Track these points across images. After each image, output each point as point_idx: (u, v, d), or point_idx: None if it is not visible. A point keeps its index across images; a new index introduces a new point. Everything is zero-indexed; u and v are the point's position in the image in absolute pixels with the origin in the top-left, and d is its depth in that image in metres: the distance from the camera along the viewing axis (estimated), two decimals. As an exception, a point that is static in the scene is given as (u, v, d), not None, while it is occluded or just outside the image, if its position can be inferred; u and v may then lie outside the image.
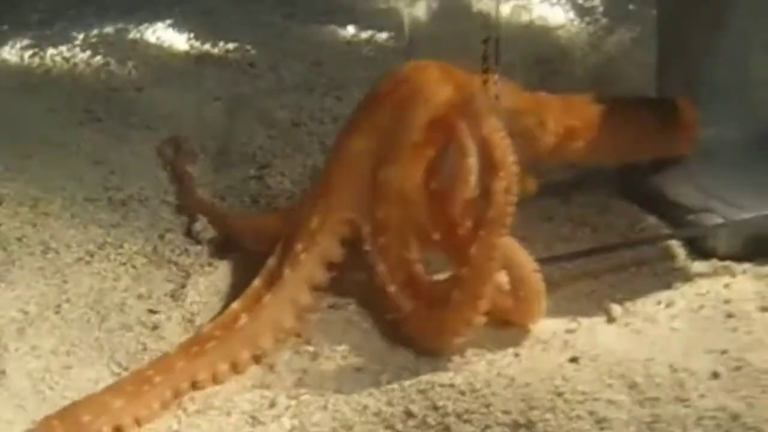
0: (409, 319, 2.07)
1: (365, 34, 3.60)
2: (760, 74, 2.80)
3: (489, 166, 1.96)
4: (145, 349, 2.11)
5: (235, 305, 2.09)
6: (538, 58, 3.35)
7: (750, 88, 2.71)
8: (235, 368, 2.02)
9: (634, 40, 3.41)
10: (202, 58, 3.45)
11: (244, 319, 2.04)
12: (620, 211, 2.50)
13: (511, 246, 2.02)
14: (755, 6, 2.54)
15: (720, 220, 2.30)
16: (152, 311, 2.22)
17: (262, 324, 2.04)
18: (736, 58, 2.60)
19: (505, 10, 3.57)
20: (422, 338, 2.04)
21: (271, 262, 2.15)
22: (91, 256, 2.47)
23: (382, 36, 3.62)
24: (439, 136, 2.06)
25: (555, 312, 2.18)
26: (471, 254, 1.94)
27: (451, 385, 1.93)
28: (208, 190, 2.77)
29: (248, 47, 3.50)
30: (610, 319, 2.14)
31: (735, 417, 1.81)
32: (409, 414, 1.89)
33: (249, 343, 2.03)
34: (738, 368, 1.93)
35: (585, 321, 2.14)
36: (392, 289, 2.05)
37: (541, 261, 2.20)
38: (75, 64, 3.46)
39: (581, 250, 2.31)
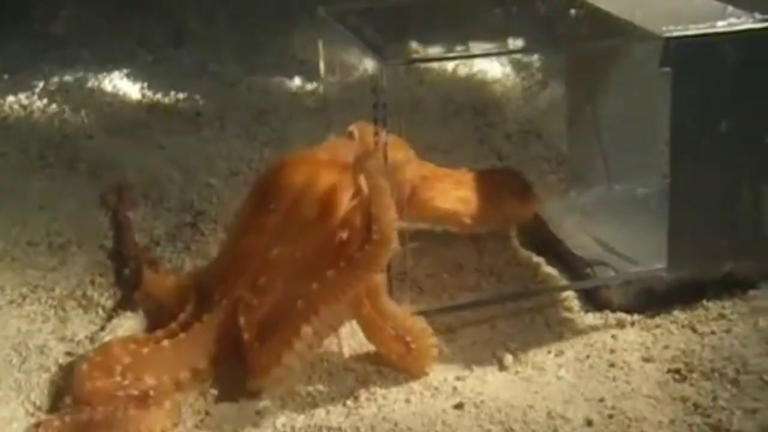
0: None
1: (311, 86, 3.74)
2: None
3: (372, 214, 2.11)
4: (60, 389, 2.22)
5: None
6: (475, 110, 3.49)
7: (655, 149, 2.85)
8: None
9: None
10: (153, 107, 3.59)
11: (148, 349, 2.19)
12: (527, 262, 2.62)
13: (390, 306, 2.17)
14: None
15: (612, 273, 2.42)
16: (69, 353, 2.34)
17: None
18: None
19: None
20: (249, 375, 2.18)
21: (182, 317, 2.27)
22: (23, 298, 2.60)
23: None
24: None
25: (450, 359, 2.30)
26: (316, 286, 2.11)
27: (339, 429, 2.05)
28: (146, 235, 2.89)
29: (197, 96, 3.65)
30: (502, 367, 2.26)
31: (598, 462, 1.93)
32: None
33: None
34: (611, 416, 2.05)
35: (477, 368, 2.26)
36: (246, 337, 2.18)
37: (443, 310, 2.35)
38: (32, 112, 3.61)
39: (479, 300, 2.42)
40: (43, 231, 2.94)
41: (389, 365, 2.24)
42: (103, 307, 2.55)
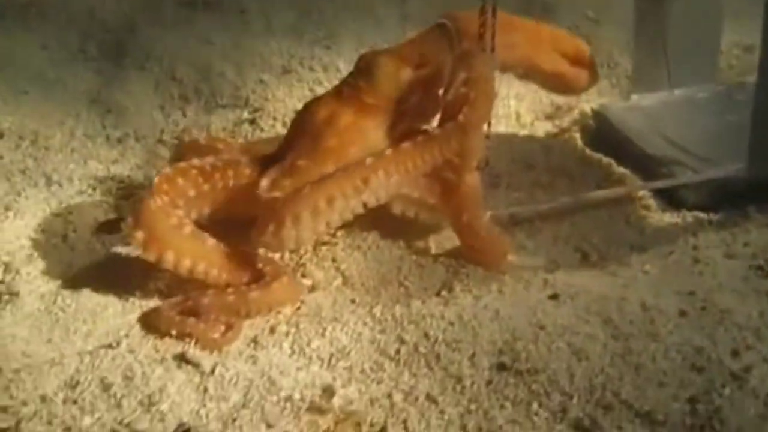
0: None
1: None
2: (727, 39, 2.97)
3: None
4: (155, 278, 2.22)
5: None
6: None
7: (718, 51, 2.89)
8: None
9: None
10: (194, 2, 3.52)
11: None
12: (596, 162, 2.65)
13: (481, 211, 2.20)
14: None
15: (689, 173, 2.46)
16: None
17: None
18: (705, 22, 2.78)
19: None
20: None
21: None
22: (93, 189, 2.58)
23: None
24: None
25: (535, 254, 2.34)
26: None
27: (442, 317, 2.08)
28: (202, 130, 2.87)
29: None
30: (586, 261, 2.31)
31: (699, 350, 1.99)
32: (402, 341, 2.03)
33: None
34: (703, 308, 2.10)
35: (563, 263, 2.31)
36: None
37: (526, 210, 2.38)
38: (68, 2, 3.51)
39: (563, 201, 2.45)
40: (98, 124, 2.92)
41: (468, 259, 2.29)
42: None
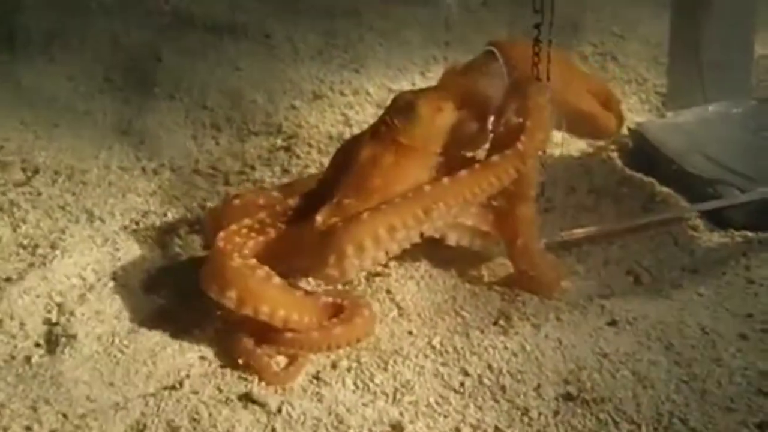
0: None
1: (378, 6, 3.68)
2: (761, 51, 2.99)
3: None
4: (209, 316, 2.20)
5: None
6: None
7: (752, 65, 2.90)
8: None
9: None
10: (217, 28, 3.50)
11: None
12: (637, 183, 2.65)
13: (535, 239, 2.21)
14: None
15: (736, 192, 2.46)
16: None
17: None
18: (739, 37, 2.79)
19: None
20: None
21: None
22: (136, 224, 2.56)
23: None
24: None
25: (587, 278, 2.34)
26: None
27: (504, 347, 2.08)
28: (237, 159, 2.86)
29: (264, 17, 3.56)
30: (639, 285, 2.31)
31: (764, 374, 1.99)
32: (466, 374, 2.03)
33: None
34: (764, 330, 2.11)
35: (616, 287, 2.30)
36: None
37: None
38: (87, 32, 3.49)
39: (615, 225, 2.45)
40: (132, 155, 2.90)
41: (522, 287, 2.28)
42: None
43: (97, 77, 3.28)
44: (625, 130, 2.84)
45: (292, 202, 2.28)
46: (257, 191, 2.57)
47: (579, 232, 2.40)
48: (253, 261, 2.07)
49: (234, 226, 2.15)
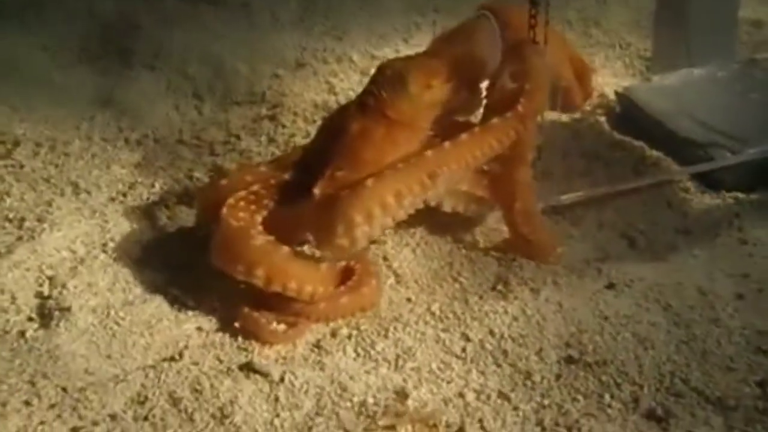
0: None
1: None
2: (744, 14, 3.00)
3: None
4: (202, 286, 2.18)
5: None
6: None
7: (736, 29, 2.91)
8: None
9: None
10: (195, -4, 3.46)
11: None
12: (628, 146, 2.65)
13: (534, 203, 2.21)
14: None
15: (727, 154, 2.47)
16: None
17: None
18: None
19: None
20: None
21: None
22: (124, 195, 2.52)
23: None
24: None
25: (582, 242, 2.34)
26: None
27: (505, 312, 2.08)
28: (221, 128, 2.82)
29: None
30: (634, 248, 2.31)
31: (762, 333, 2.01)
32: (467, 339, 2.03)
33: None
34: (760, 290, 2.13)
35: (612, 250, 2.31)
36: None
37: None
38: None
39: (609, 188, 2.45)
40: (114, 126, 2.85)
41: (516, 251, 2.28)
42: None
43: (72, 47, 3.20)
44: (611, 94, 2.85)
45: (283, 175, 2.24)
46: (244, 168, 2.50)
47: (576, 195, 2.39)
48: (271, 237, 2.04)
49: (231, 200, 2.11)
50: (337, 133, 2.19)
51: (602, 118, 2.78)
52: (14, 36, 3.23)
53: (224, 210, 2.08)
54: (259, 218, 2.09)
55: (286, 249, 2.03)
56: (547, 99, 2.16)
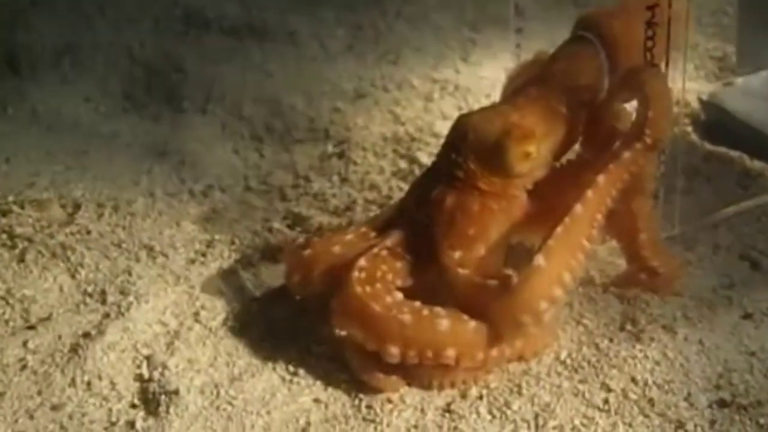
0: None
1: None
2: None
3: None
4: (310, 352, 2.03)
5: None
6: None
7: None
8: None
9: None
10: (237, 30, 3.28)
11: None
12: (725, 158, 2.52)
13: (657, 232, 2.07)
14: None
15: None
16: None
17: None
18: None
19: None
20: None
21: None
22: (203, 256, 2.37)
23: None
24: None
25: (701, 268, 2.21)
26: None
27: (645, 356, 1.94)
28: (289, 172, 2.68)
29: (285, 14, 3.35)
30: (758, 271, 2.18)
31: None
32: (608, 389, 1.89)
33: None
34: None
35: (735, 275, 2.17)
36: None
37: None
38: (99, 44, 3.24)
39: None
40: (175, 178, 2.70)
41: (638, 285, 2.14)
42: (294, 255, 2.34)
43: (116, 95, 3.05)
44: (693, 101, 2.71)
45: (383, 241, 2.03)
46: (329, 238, 2.17)
47: (702, 222, 2.26)
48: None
49: (356, 273, 1.94)
50: (434, 204, 2.01)
51: (689, 128, 2.65)
52: (53, 87, 3.07)
53: (357, 288, 1.92)
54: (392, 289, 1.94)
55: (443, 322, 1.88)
56: (672, 126, 2.02)
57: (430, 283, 1.99)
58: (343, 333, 1.91)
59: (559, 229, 1.87)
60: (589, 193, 1.91)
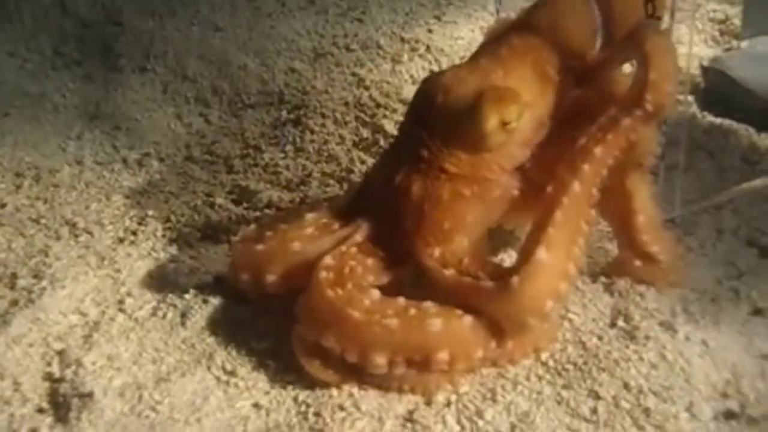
0: None
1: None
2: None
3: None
4: (250, 349, 1.75)
5: None
6: None
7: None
8: None
9: None
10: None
11: None
12: (729, 131, 2.26)
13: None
14: None
15: None
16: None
17: None
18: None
19: None
20: None
21: None
22: (134, 234, 2.07)
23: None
24: None
25: (704, 255, 1.94)
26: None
27: (639, 358, 1.67)
28: (238, 140, 2.39)
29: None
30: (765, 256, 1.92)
31: None
32: (597, 396, 1.63)
33: None
34: None
35: (742, 263, 1.91)
36: None
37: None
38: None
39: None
40: (107, 144, 2.41)
41: (632, 275, 1.87)
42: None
43: (44, 50, 2.76)
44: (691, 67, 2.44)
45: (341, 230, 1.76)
46: (285, 232, 1.82)
47: (702, 204, 1.99)
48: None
49: (323, 273, 1.65)
50: (398, 192, 1.72)
51: (690, 97, 2.37)
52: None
53: (327, 292, 1.64)
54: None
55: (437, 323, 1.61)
56: (676, 90, 1.73)
57: (407, 277, 1.71)
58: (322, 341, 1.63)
59: (558, 214, 1.60)
60: (586, 167, 1.63)
